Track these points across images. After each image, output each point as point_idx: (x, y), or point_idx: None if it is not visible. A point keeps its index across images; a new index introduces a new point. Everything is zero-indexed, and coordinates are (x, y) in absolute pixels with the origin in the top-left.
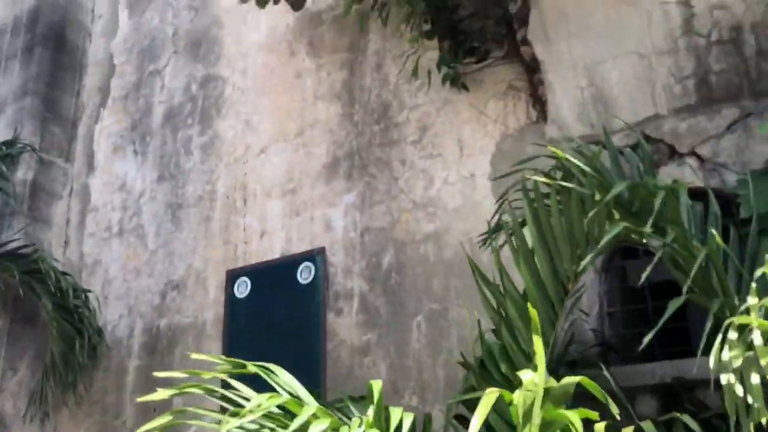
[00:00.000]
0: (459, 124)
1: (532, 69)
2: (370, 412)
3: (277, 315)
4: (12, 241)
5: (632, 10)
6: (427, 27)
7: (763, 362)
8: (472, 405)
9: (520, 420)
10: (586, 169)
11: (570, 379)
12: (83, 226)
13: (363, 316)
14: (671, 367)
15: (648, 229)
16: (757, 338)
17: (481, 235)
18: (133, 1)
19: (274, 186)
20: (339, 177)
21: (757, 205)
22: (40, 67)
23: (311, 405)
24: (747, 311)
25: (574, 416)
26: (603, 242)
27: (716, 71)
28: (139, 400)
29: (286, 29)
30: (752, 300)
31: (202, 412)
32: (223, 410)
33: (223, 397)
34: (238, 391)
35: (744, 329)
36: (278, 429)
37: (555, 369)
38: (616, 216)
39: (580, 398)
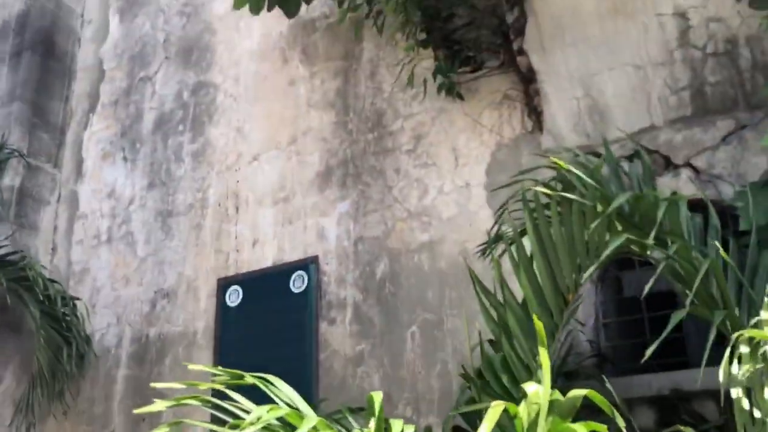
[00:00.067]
0: (454, 134)
1: (528, 79)
2: (372, 424)
3: (269, 324)
4: None
5: (628, 22)
6: (422, 36)
7: None
8: (470, 417)
9: None
10: (589, 180)
11: (577, 392)
12: (71, 233)
13: (356, 326)
14: (668, 379)
15: (650, 240)
16: None
17: (480, 245)
18: (124, 6)
19: (267, 194)
20: (332, 185)
21: (756, 217)
22: (29, 72)
23: (312, 417)
24: (756, 325)
25: (582, 430)
26: (606, 253)
27: (711, 83)
28: (136, 411)
29: (279, 36)
30: (765, 314)
31: (199, 424)
32: (218, 422)
33: (221, 409)
34: (236, 402)
35: (751, 342)
36: None
37: (554, 380)
38: (618, 227)
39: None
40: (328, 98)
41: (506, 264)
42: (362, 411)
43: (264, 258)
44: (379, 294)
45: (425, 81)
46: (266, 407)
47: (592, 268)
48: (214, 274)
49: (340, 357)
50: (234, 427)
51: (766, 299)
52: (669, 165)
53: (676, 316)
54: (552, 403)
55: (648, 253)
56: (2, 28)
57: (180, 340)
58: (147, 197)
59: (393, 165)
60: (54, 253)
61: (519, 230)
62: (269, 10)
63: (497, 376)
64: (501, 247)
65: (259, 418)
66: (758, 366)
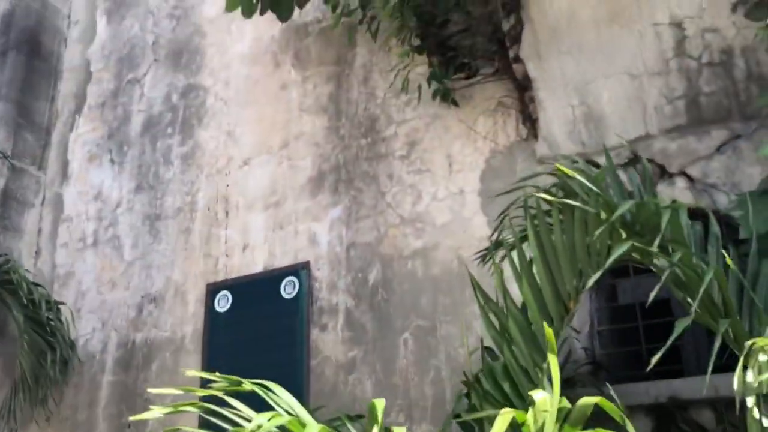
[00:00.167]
0: (448, 140)
1: (523, 86)
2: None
3: (259, 330)
4: None
5: (625, 31)
6: (416, 42)
7: None
8: (465, 425)
9: None
10: (592, 187)
11: (587, 400)
12: (56, 236)
13: (348, 333)
14: (666, 387)
15: (655, 247)
16: None
17: (481, 251)
18: (112, 8)
19: (258, 198)
20: (324, 191)
21: (756, 225)
22: (14, 72)
23: (314, 425)
24: None
25: None
26: (610, 260)
27: (706, 93)
28: (132, 419)
29: (271, 40)
30: None
31: None
32: (210, 429)
33: (219, 416)
34: (235, 410)
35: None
36: None
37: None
38: (623, 234)
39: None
40: (321, 103)
41: (504, 270)
42: (360, 418)
43: (254, 263)
44: (372, 300)
45: (420, 87)
46: (267, 415)
47: (596, 275)
48: (203, 279)
49: (331, 363)
50: None
51: None
52: (664, 174)
53: (681, 324)
54: (562, 411)
55: (653, 260)
56: None
57: (167, 345)
58: (134, 200)
59: (386, 171)
60: (38, 256)
61: (519, 236)
62: (262, 13)
63: (497, 383)
64: (499, 253)
65: (260, 427)
66: None
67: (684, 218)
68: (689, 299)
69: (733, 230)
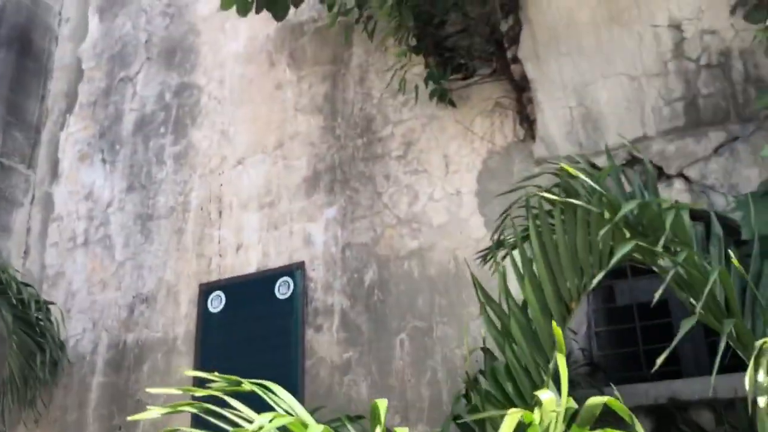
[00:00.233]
0: (445, 141)
1: (521, 87)
2: None
3: (253, 330)
4: None
5: (623, 33)
6: (414, 42)
7: None
8: (464, 426)
9: None
10: (597, 187)
11: (596, 400)
12: (45, 235)
13: (344, 334)
14: (666, 388)
15: (660, 248)
16: None
17: (482, 251)
18: (104, 5)
19: (252, 198)
20: (320, 191)
21: (758, 227)
22: (4, 70)
23: (316, 426)
24: None
25: None
26: (614, 260)
27: (704, 95)
28: (130, 419)
29: (266, 39)
30: None
31: None
32: (213, 429)
33: (218, 416)
34: (235, 410)
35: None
36: None
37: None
38: (627, 234)
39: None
40: (316, 103)
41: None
42: (360, 419)
43: (248, 263)
44: (368, 301)
45: (417, 87)
46: (269, 415)
47: (600, 275)
48: (196, 279)
49: (326, 364)
50: None
51: None
52: (662, 175)
53: (686, 324)
54: (569, 411)
55: (657, 261)
56: None
57: (159, 346)
58: (126, 200)
59: (382, 171)
60: (27, 256)
61: (521, 236)
62: (257, 12)
63: (498, 384)
64: (500, 253)
65: (261, 428)
66: None
67: (687, 219)
68: (692, 300)
69: (732, 231)
